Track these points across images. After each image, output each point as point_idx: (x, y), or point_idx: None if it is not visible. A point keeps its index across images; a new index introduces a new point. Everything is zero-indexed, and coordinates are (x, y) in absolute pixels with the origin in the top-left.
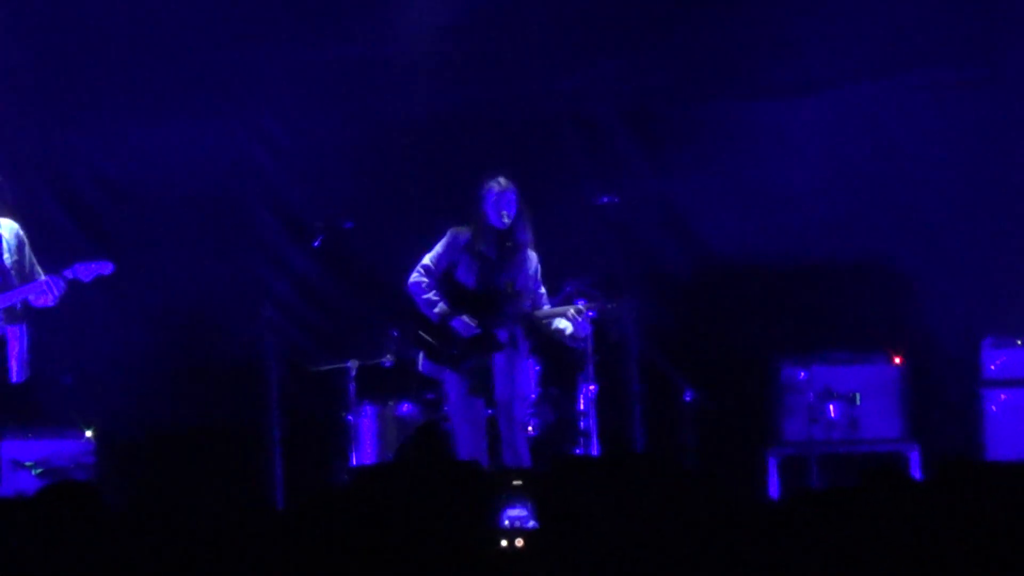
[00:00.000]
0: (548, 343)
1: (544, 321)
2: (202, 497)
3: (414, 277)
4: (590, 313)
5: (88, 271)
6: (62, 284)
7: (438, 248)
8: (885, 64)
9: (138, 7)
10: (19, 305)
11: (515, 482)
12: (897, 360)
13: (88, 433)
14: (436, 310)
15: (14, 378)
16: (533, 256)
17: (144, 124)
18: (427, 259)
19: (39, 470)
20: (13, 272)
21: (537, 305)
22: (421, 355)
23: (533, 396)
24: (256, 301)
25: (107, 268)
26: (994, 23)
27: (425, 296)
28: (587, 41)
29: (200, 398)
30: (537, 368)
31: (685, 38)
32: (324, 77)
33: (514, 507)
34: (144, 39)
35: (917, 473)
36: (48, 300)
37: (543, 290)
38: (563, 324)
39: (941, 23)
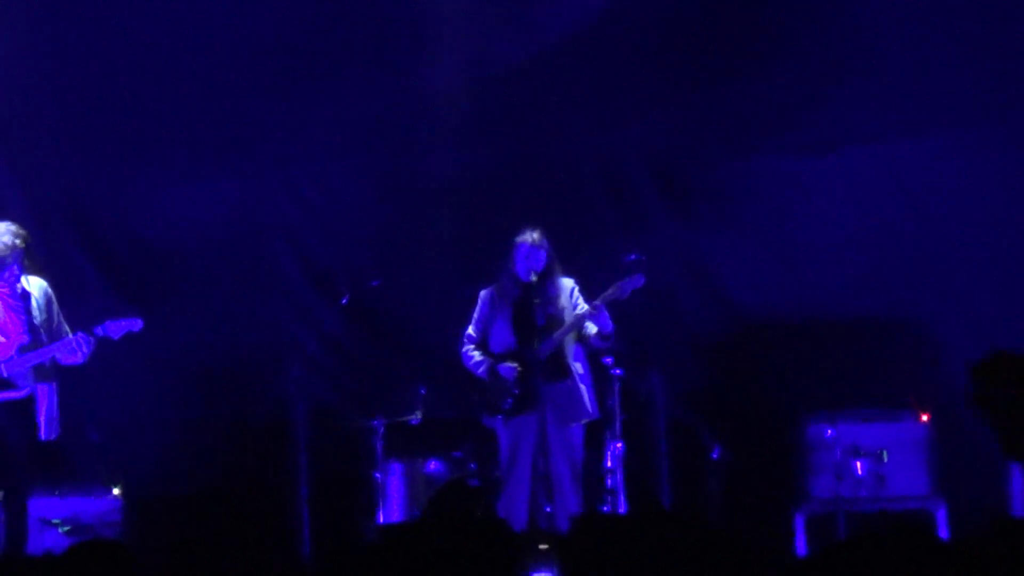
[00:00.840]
0: None
1: (572, 335)
2: (230, 555)
3: (463, 348)
4: (601, 305)
5: (118, 328)
6: (91, 341)
7: (475, 314)
8: (911, 123)
9: (168, 66)
10: (48, 363)
11: (542, 546)
12: (924, 417)
13: (116, 491)
14: (482, 369)
15: (43, 436)
16: (565, 292)
17: (174, 181)
18: (469, 328)
19: (67, 528)
20: (42, 330)
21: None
22: (483, 415)
23: (593, 414)
24: (284, 358)
25: (136, 325)
26: (1016, 83)
27: (473, 361)
28: (617, 99)
29: (228, 455)
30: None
31: (713, 96)
32: (354, 133)
33: (540, 571)
34: (174, 97)
35: (944, 530)
36: (77, 358)
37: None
38: (589, 327)
39: (965, 83)
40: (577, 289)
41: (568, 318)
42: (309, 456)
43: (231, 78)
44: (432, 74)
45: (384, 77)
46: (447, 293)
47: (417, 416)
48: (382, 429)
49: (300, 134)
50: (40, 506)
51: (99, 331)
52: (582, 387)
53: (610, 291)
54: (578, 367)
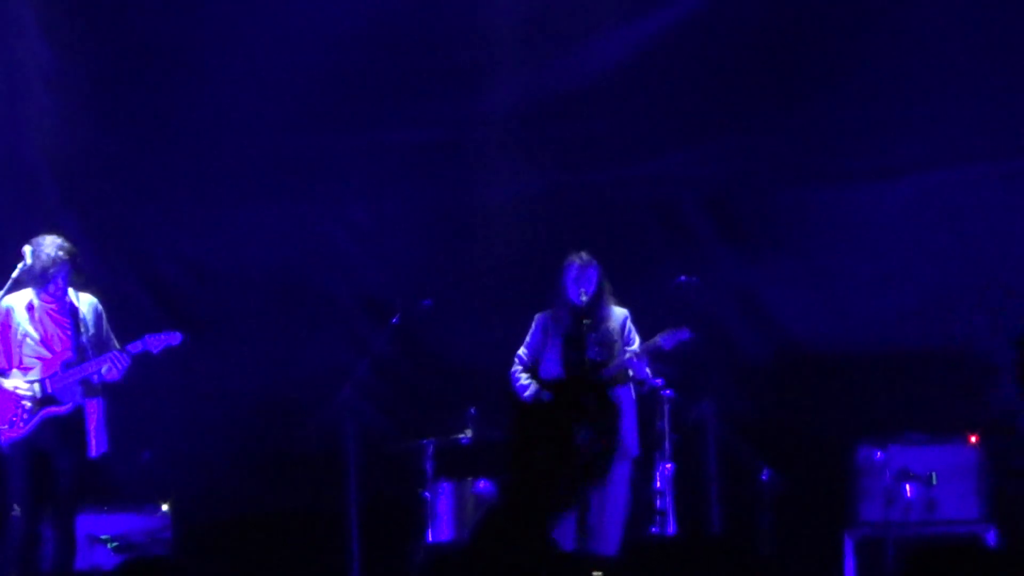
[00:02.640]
0: None
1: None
2: (278, 575)
3: (512, 368)
4: (642, 358)
5: (158, 342)
6: (125, 358)
7: (528, 337)
8: (961, 152)
9: (224, 94)
10: (95, 379)
11: (595, 573)
12: (973, 440)
13: (165, 507)
14: (527, 393)
15: (93, 452)
16: (618, 319)
17: (225, 205)
18: (521, 350)
19: (115, 544)
20: (90, 346)
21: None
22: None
23: (633, 454)
24: (336, 381)
25: (176, 339)
26: None
27: (519, 384)
28: (668, 126)
29: (278, 475)
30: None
31: (765, 125)
32: (404, 160)
33: None
34: (226, 123)
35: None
36: (115, 374)
37: (635, 345)
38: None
39: (1016, 112)
40: (630, 320)
41: (618, 350)
42: (359, 476)
43: (286, 105)
44: (486, 102)
45: (437, 105)
46: (496, 315)
47: (467, 436)
48: (432, 449)
49: (351, 161)
50: (89, 523)
51: (138, 346)
52: (626, 424)
53: (652, 342)
54: (623, 403)
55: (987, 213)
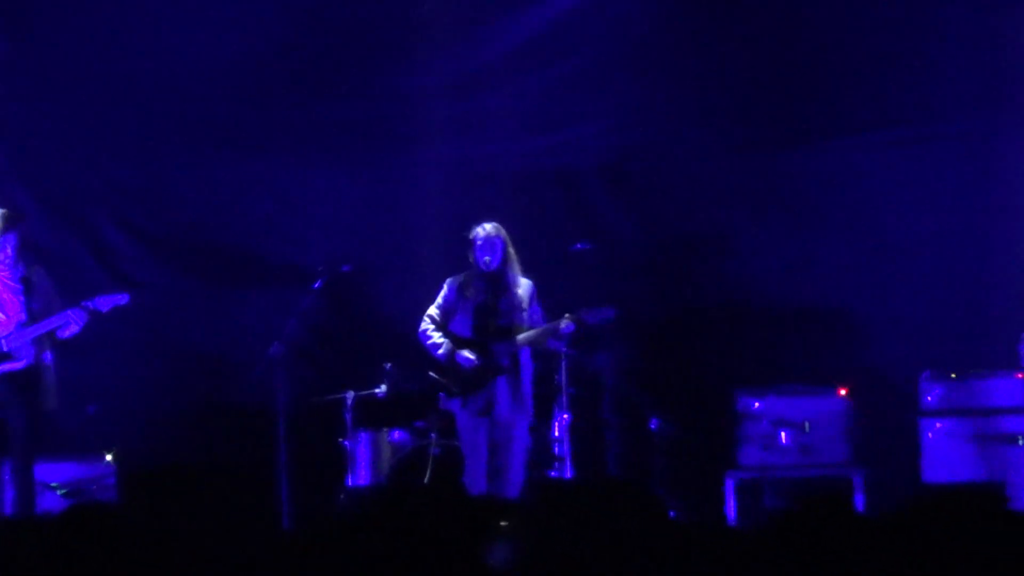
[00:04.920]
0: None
1: (529, 338)
2: (214, 516)
3: (421, 326)
4: (569, 326)
5: (107, 302)
6: (83, 315)
7: (439, 299)
8: (847, 123)
9: (160, 67)
10: (47, 336)
11: (502, 523)
12: (843, 392)
13: (108, 457)
14: (441, 351)
15: (51, 406)
16: (525, 288)
17: (165, 171)
18: (431, 309)
19: (64, 491)
20: (41, 313)
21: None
22: (441, 395)
23: (532, 414)
24: (266, 338)
25: (123, 299)
26: (930, 88)
27: (431, 341)
28: (571, 102)
29: (213, 427)
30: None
31: (660, 99)
32: (336, 133)
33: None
34: (165, 94)
35: (861, 494)
36: (73, 330)
37: (539, 315)
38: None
39: (896, 83)
40: (535, 292)
41: (526, 320)
42: (287, 426)
43: (221, 79)
44: (409, 77)
45: (363, 79)
46: (413, 279)
47: (383, 390)
48: (351, 401)
49: (285, 130)
50: (40, 471)
51: (89, 305)
52: (527, 387)
53: (576, 316)
54: (523, 365)
55: (870, 180)
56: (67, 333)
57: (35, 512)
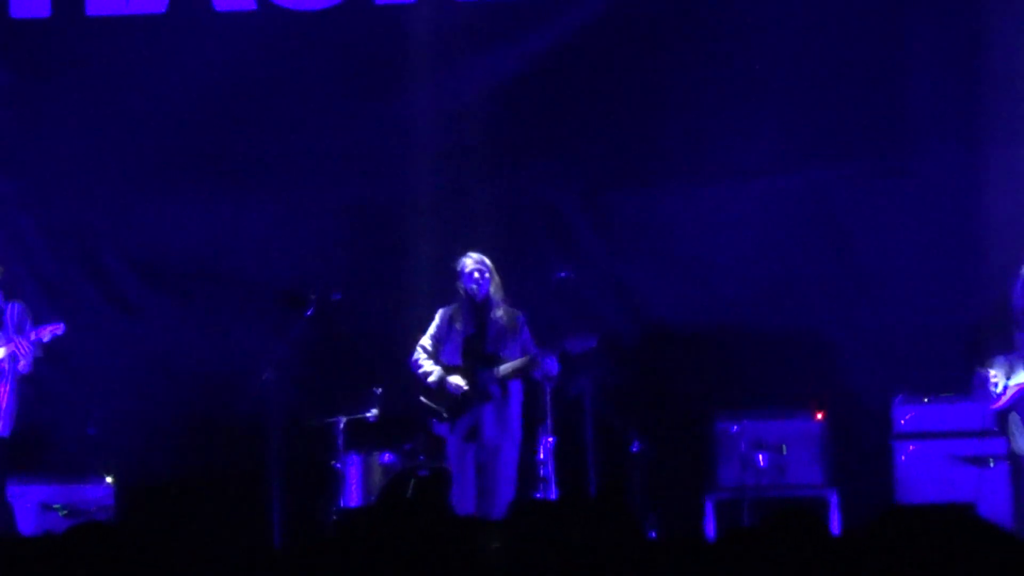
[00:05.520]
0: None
1: (513, 368)
2: (209, 535)
3: (413, 356)
4: (555, 364)
5: (45, 333)
6: (28, 345)
7: (431, 328)
8: (806, 156)
9: (157, 98)
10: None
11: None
12: (819, 415)
13: (108, 479)
14: (432, 379)
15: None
16: (513, 316)
17: (165, 202)
18: (424, 339)
19: (65, 512)
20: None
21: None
22: (432, 420)
23: (519, 438)
24: (259, 361)
25: (60, 328)
26: (903, 121)
27: (422, 370)
28: (546, 135)
29: (208, 449)
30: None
31: (630, 132)
32: (326, 161)
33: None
34: (153, 123)
35: (836, 515)
36: (22, 365)
37: (531, 344)
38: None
39: (848, 117)
40: (525, 321)
41: (515, 347)
42: (279, 448)
43: (208, 107)
44: (398, 107)
45: (352, 110)
46: (402, 307)
47: (373, 414)
48: (342, 425)
49: (278, 162)
50: (42, 492)
51: (32, 335)
52: (515, 411)
53: (559, 344)
54: (512, 393)
55: (830, 209)
56: (22, 366)
57: (17, 532)
